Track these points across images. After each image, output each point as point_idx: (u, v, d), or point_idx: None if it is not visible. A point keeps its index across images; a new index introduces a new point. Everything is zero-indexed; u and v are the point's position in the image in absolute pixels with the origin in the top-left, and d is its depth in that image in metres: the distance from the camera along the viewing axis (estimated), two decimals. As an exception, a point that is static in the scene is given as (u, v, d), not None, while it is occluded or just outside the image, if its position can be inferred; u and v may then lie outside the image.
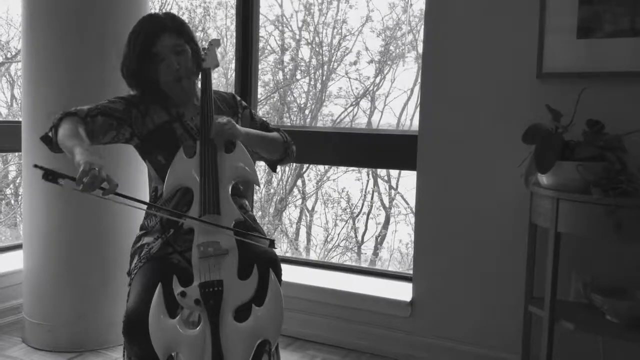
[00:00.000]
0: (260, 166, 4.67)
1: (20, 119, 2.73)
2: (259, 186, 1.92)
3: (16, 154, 4.79)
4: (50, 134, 1.79)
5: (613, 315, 2.03)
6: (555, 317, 2.06)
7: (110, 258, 2.65)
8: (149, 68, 1.88)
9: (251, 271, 1.70)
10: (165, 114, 1.93)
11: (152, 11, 1.94)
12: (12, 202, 5.31)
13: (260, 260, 1.75)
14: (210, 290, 1.66)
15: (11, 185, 5.35)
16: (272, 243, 1.79)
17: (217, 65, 2.06)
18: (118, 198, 1.60)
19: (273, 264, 1.78)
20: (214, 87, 2.08)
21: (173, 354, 1.66)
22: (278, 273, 1.79)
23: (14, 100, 5.23)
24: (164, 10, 2.02)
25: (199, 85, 2.01)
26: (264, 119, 2.13)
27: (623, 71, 2.15)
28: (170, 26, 1.88)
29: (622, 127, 2.04)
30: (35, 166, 1.54)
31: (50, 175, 1.52)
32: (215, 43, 2.08)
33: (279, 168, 2.13)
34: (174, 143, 1.88)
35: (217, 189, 1.79)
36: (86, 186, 1.50)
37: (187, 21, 1.98)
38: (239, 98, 2.10)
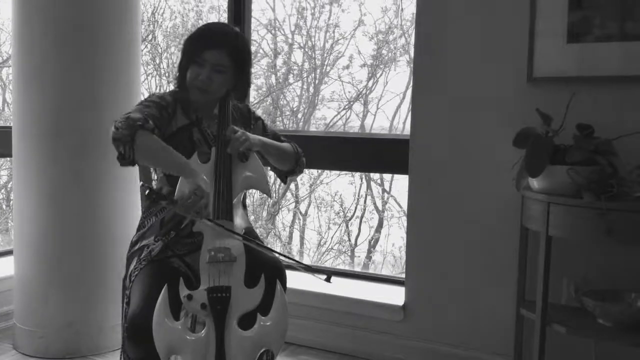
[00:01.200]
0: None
1: (11, 124, 2.72)
2: (270, 197, 1.93)
3: (7, 159, 4.77)
4: (123, 151, 1.71)
5: (604, 318, 2.03)
6: (546, 320, 2.07)
7: (101, 264, 2.64)
8: (190, 62, 1.89)
9: (257, 279, 1.71)
10: (185, 118, 1.93)
11: (234, 28, 1.92)
12: (4, 207, 5.28)
13: (267, 269, 1.76)
14: (218, 296, 1.66)
15: (2, 191, 5.32)
16: (328, 278, 1.72)
17: (244, 98, 2.08)
18: (206, 222, 1.72)
19: (279, 272, 1.79)
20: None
21: (172, 358, 1.65)
22: (283, 281, 1.81)
23: (5, 105, 5.21)
24: (236, 30, 1.98)
25: None
26: (276, 130, 2.14)
27: (613, 75, 2.16)
28: (231, 47, 1.87)
29: (612, 131, 2.05)
30: (142, 185, 1.71)
31: (154, 195, 1.65)
32: None
33: (288, 179, 2.14)
34: (190, 146, 1.88)
35: (230, 195, 1.80)
36: (186, 209, 1.64)
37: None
38: (253, 109, 2.12)
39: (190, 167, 1.71)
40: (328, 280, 1.72)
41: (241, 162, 1.87)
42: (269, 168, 2.09)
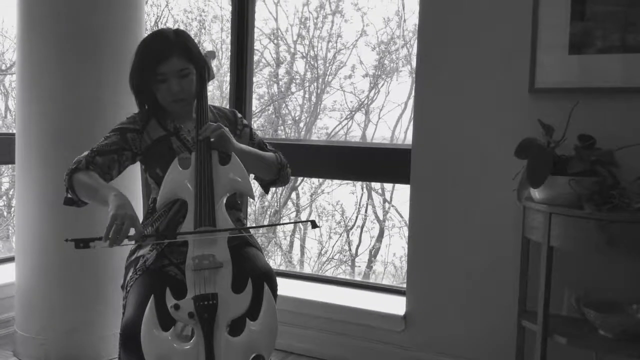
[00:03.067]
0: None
1: (14, 131, 2.73)
2: (254, 199, 1.91)
3: (9, 166, 4.78)
4: (70, 195, 1.82)
5: (606, 329, 2.03)
6: (548, 331, 2.07)
7: (103, 272, 2.64)
8: (151, 85, 1.89)
9: (245, 285, 1.70)
10: (161, 129, 1.95)
11: (163, 27, 1.95)
12: (5, 214, 5.28)
13: (254, 274, 1.75)
14: (204, 304, 1.65)
15: (4, 197, 5.33)
16: (314, 224, 1.77)
17: (212, 77, 2.07)
18: (147, 240, 1.70)
19: (268, 278, 1.78)
20: (212, 102, 2.08)
21: None
22: (273, 287, 1.79)
23: (7, 112, 5.23)
24: (174, 27, 2.01)
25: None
26: (264, 140, 2.13)
27: (614, 87, 2.17)
28: (179, 49, 1.86)
29: (613, 142, 2.05)
30: (67, 240, 1.62)
31: (81, 243, 1.60)
32: (210, 55, 2.09)
33: (271, 190, 2.12)
34: (170, 155, 1.89)
35: (212, 200, 1.79)
36: (111, 242, 1.58)
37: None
38: (239, 115, 2.11)
39: (110, 196, 1.67)
40: (315, 225, 1.76)
41: (222, 165, 1.86)
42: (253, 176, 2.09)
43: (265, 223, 4.96)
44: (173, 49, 1.85)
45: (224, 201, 1.84)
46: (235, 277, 1.72)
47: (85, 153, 1.85)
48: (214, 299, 1.66)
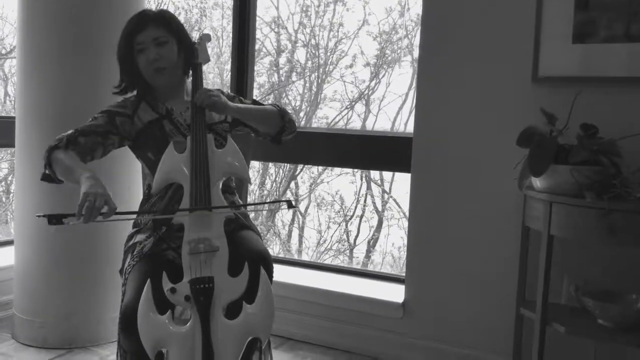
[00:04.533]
0: (254, 167, 4.67)
1: (14, 115, 2.72)
2: (250, 183, 1.91)
3: (8, 150, 4.77)
4: (47, 172, 1.83)
5: (604, 318, 2.04)
6: (546, 320, 2.07)
7: (101, 255, 2.64)
8: (133, 59, 1.91)
9: (242, 268, 1.70)
10: (153, 112, 1.94)
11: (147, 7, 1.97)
12: (4, 199, 5.28)
13: (251, 258, 1.75)
14: (201, 287, 1.65)
15: (2, 183, 5.32)
16: (290, 204, 1.78)
17: (207, 60, 2.06)
18: (120, 216, 1.69)
19: (264, 261, 1.78)
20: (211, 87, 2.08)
21: (163, 351, 1.65)
22: (269, 270, 1.79)
23: (7, 98, 5.21)
24: (159, 8, 2.03)
25: (190, 81, 2.01)
26: (255, 99, 2.11)
27: (617, 76, 2.16)
28: (155, 18, 1.90)
29: (616, 131, 2.05)
30: (38, 216, 1.62)
31: (54, 219, 1.60)
32: (205, 37, 2.07)
33: (282, 140, 2.09)
34: (162, 139, 1.89)
35: (208, 184, 1.78)
36: (85, 218, 1.58)
37: (183, 21, 1.98)
38: (232, 94, 2.10)
39: (83, 177, 1.68)
40: (291, 205, 1.78)
41: (218, 149, 1.86)
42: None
43: (264, 212, 4.97)
44: (149, 20, 1.90)
45: (220, 185, 1.83)
46: (232, 260, 1.73)
47: (69, 132, 1.86)
48: (210, 283, 1.66)
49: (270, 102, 2.09)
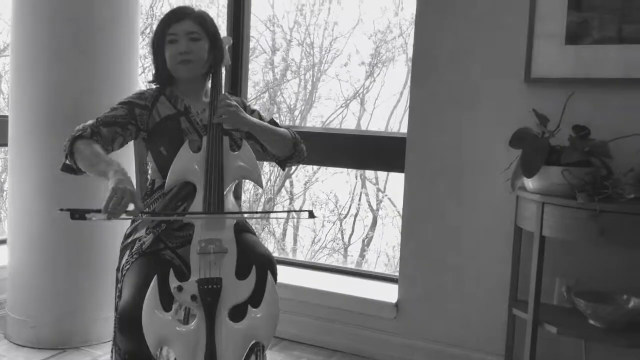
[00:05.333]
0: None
1: (7, 113, 2.71)
2: (262, 188, 1.93)
3: (1, 149, 4.76)
4: (68, 162, 1.81)
5: (596, 319, 2.05)
6: (538, 320, 2.08)
7: (95, 255, 2.63)
8: (162, 48, 1.91)
9: (247, 271, 1.70)
10: (171, 107, 1.94)
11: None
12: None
13: (258, 261, 1.75)
14: (208, 287, 1.65)
15: (-4, 181, 5.31)
16: (311, 214, 1.77)
17: (228, 63, 2.07)
18: (145, 216, 1.68)
19: (270, 265, 1.79)
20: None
21: (163, 349, 1.65)
22: (274, 275, 1.80)
23: (0, 95, 5.20)
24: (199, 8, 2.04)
25: (209, 84, 2.02)
26: (274, 119, 2.12)
27: (610, 77, 2.17)
28: (194, 15, 1.92)
29: (607, 133, 2.06)
30: (61, 210, 1.59)
31: (77, 214, 1.58)
32: (226, 41, 2.08)
33: (287, 166, 2.11)
34: (178, 135, 1.88)
35: (222, 186, 1.79)
36: (110, 215, 1.57)
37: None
38: (247, 102, 2.11)
39: (111, 171, 1.65)
40: (312, 216, 1.76)
41: (233, 151, 1.86)
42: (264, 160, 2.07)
43: (259, 210, 4.97)
44: (188, 15, 1.91)
45: (232, 188, 1.84)
46: (238, 263, 1.73)
47: (90, 122, 1.83)
48: (218, 284, 1.66)
49: (286, 125, 2.09)
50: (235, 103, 1.86)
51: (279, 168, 2.10)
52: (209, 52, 1.94)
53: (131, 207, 1.59)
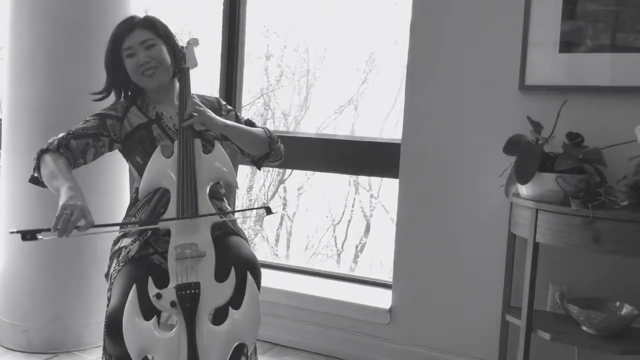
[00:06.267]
0: (242, 170, 4.66)
1: (1, 116, 2.70)
2: (237, 188, 1.92)
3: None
4: (36, 175, 1.82)
5: (589, 326, 2.05)
6: (532, 326, 2.09)
7: (86, 259, 2.62)
8: (121, 64, 1.91)
9: (229, 274, 1.69)
10: (142, 116, 1.94)
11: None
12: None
13: (237, 263, 1.74)
14: (187, 293, 1.65)
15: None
16: (268, 210, 1.77)
17: (195, 65, 2.05)
18: (98, 229, 1.66)
19: (251, 267, 1.77)
20: (199, 92, 2.07)
21: (149, 357, 1.64)
22: (257, 276, 1.78)
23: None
24: (147, 13, 2.04)
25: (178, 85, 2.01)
26: (250, 119, 2.12)
27: (603, 85, 2.19)
28: (142, 23, 1.91)
29: (601, 140, 2.08)
30: (12, 232, 1.59)
31: (28, 235, 1.57)
32: (193, 42, 2.07)
33: (262, 165, 2.11)
34: (151, 143, 1.89)
35: (195, 190, 1.78)
36: (60, 232, 1.56)
37: (177, 31, 1.98)
38: (224, 102, 2.10)
39: (63, 188, 1.65)
40: (269, 212, 1.76)
41: (205, 154, 1.85)
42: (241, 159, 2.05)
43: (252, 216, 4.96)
44: (136, 24, 1.91)
45: (207, 190, 1.83)
46: (219, 266, 1.72)
47: (61, 135, 1.85)
48: (196, 288, 1.65)
49: (262, 125, 2.09)
50: (202, 106, 1.86)
51: (256, 166, 2.09)
52: (169, 54, 1.93)
53: (82, 222, 1.58)
